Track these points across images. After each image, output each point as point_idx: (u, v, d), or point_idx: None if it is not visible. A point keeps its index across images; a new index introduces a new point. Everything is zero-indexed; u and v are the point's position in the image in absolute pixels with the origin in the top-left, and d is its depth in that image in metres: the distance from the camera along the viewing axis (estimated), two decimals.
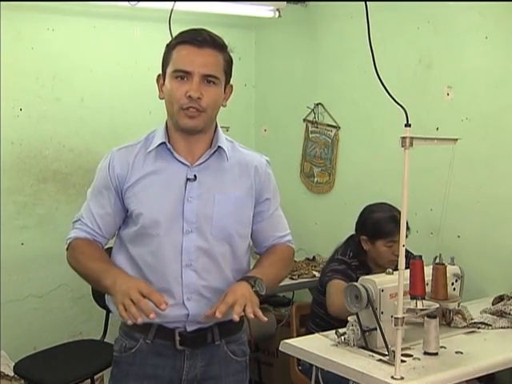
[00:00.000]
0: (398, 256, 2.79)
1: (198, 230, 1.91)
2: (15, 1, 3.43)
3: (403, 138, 1.98)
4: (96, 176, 2.00)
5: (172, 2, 3.19)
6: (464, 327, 2.61)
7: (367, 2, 2.11)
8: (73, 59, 3.74)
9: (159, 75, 1.95)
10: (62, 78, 3.71)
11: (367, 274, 2.91)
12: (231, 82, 1.98)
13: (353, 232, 3.12)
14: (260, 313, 1.80)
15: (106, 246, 2.01)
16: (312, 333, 2.79)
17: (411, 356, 2.29)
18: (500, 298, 2.86)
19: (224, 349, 1.99)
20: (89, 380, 3.19)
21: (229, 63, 1.93)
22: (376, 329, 2.33)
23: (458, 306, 2.59)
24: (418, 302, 2.10)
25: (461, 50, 3.26)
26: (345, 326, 2.44)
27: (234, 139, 2.06)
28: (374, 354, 2.30)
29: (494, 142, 3.15)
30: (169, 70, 1.89)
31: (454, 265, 2.59)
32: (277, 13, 3.75)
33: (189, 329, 1.93)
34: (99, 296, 3.01)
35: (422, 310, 2.12)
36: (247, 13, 3.78)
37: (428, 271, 2.24)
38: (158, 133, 1.95)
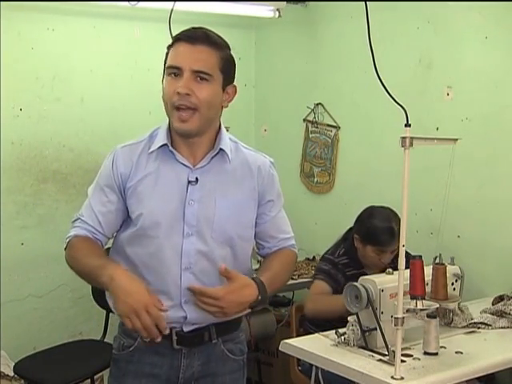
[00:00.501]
0: (384, 263, 2.88)
1: (198, 233, 1.89)
2: (15, 1, 3.43)
3: (403, 138, 1.98)
4: (99, 173, 1.97)
5: (172, 2, 3.19)
6: (464, 327, 2.61)
7: (367, 2, 2.11)
8: (73, 59, 3.74)
9: (163, 76, 1.92)
10: (61, 78, 3.71)
11: (358, 270, 2.95)
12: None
13: None
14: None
15: (106, 247, 2.00)
16: (310, 332, 2.79)
17: (411, 356, 2.29)
18: (500, 298, 2.86)
19: (221, 347, 1.99)
20: (89, 380, 3.19)
21: (228, 62, 1.88)
22: (376, 329, 2.33)
23: (458, 305, 2.59)
24: (418, 301, 2.10)
25: (461, 50, 3.26)
26: (344, 326, 2.44)
27: None
28: (374, 354, 2.30)
29: (494, 142, 3.15)
30: (165, 68, 1.87)
31: (453, 265, 2.59)
32: (277, 13, 3.75)
33: (185, 329, 1.92)
34: (99, 296, 3.00)
35: (421, 309, 2.12)
36: (247, 13, 3.78)
37: (428, 271, 2.24)
38: (161, 133, 1.92)
